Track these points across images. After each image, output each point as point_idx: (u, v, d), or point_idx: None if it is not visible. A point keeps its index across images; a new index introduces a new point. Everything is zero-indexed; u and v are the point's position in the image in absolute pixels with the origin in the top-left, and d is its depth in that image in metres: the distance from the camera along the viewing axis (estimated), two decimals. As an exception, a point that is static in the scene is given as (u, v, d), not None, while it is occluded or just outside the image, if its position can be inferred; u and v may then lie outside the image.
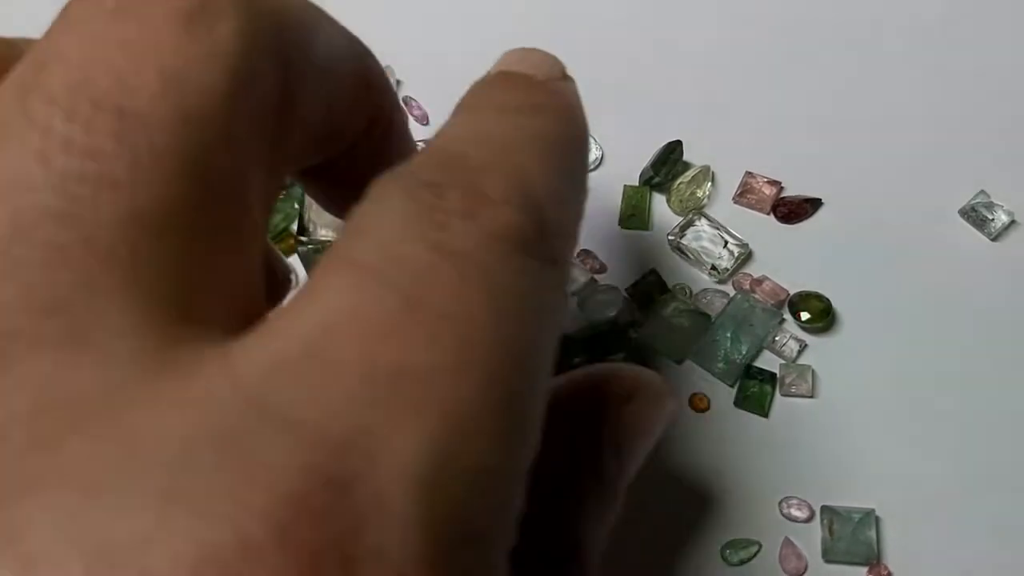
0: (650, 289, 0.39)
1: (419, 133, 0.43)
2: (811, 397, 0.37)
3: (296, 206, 0.41)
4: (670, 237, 0.39)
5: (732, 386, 0.37)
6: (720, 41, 0.42)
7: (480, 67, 0.43)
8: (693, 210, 0.39)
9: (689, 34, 0.43)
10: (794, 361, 0.37)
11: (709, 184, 0.40)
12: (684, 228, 0.39)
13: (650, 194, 0.40)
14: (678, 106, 0.41)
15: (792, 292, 0.38)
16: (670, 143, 0.40)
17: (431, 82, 0.43)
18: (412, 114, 0.43)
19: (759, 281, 0.38)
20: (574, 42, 0.43)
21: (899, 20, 0.41)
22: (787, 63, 0.41)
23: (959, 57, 0.40)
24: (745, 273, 0.39)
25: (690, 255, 0.39)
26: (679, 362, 0.38)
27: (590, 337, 0.38)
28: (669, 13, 0.43)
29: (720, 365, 0.37)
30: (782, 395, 0.37)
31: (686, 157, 0.40)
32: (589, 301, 0.39)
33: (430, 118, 0.43)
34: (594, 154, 0.41)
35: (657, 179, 0.40)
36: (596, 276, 0.39)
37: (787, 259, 0.39)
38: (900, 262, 0.38)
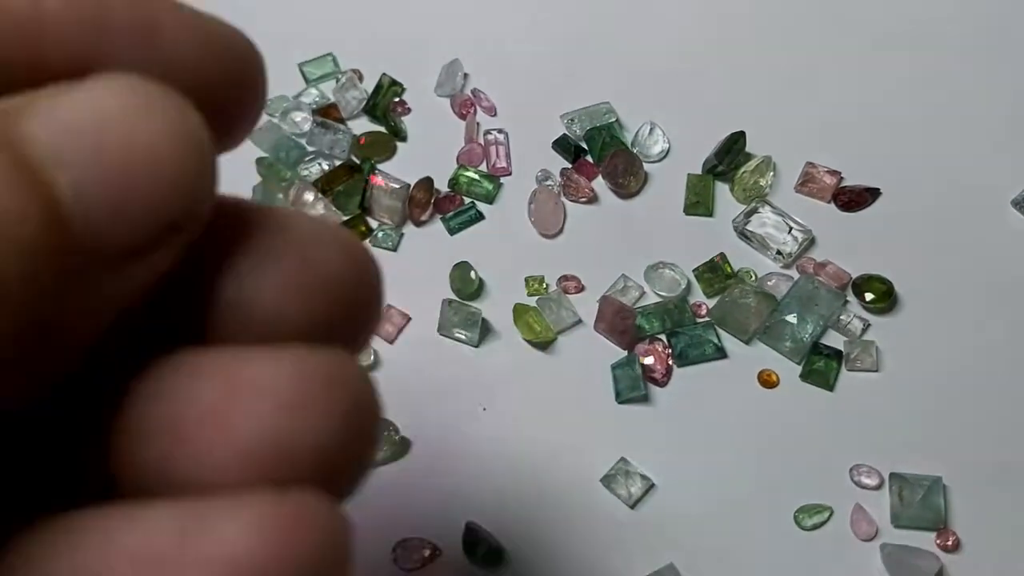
0: (717, 271, 0.40)
1: (487, 123, 0.44)
2: (875, 372, 0.38)
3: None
4: (735, 223, 0.41)
5: (799, 363, 0.39)
6: (781, 37, 0.44)
7: (544, 61, 0.45)
8: (756, 198, 0.41)
9: (750, 30, 0.45)
10: (859, 338, 0.39)
11: (771, 173, 0.42)
12: (748, 215, 0.41)
13: (713, 183, 0.42)
14: (740, 99, 0.43)
15: (854, 275, 0.40)
16: (733, 134, 0.42)
17: (497, 75, 0.45)
18: (481, 106, 0.45)
19: (822, 265, 0.40)
20: (638, 38, 0.45)
21: (955, 15, 0.44)
22: (846, 57, 0.43)
23: (1013, 53, 0.43)
24: (808, 258, 0.40)
25: (755, 240, 0.41)
26: (747, 341, 0.39)
27: (662, 310, 0.39)
28: (732, 9, 0.45)
29: (787, 344, 0.39)
30: (847, 370, 0.38)
31: (747, 148, 0.42)
32: (655, 276, 0.40)
33: (497, 110, 0.45)
34: (660, 146, 0.43)
35: (720, 168, 0.42)
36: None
37: (848, 245, 0.41)
38: (956, 247, 0.40)
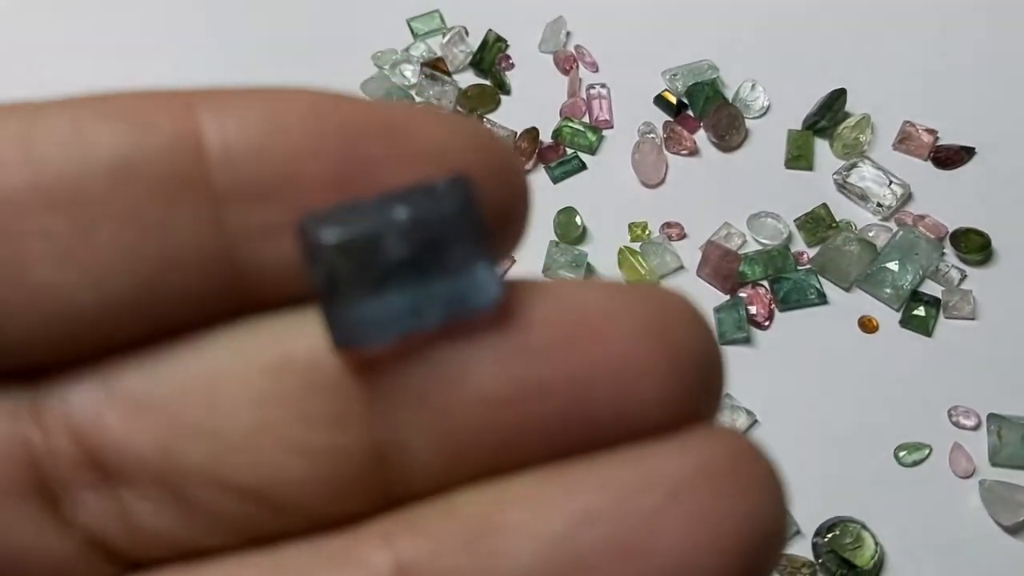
0: (819, 220, 0.42)
1: (589, 79, 0.46)
2: (973, 319, 0.40)
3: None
4: (835, 176, 0.42)
5: (898, 310, 0.40)
6: None
7: (645, 19, 0.47)
8: (856, 154, 0.43)
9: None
10: (956, 287, 0.40)
11: (869, 130, 0.43)
12: (849, 169, 0.42)
13: (813, 138, 0.43)
14: (839, 59, 0.45)
15: (951, 228, 0.41)
16: (834, 91, 0.43)
17: (599, 33, 0.47)
18: (583, 62, 0.46)
19: (920, 217, 0.41)
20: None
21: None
22: (943, 18, 0.45)
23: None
24: (906, 211, 0.42)
25: (855, 193, 0.42)
26: (847, 288, 0.41)
27: (765, 257, 0.41)
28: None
29: (887, 291, 0.40)
30: (945, 317, 0.40)
31: (846, 107, 0.43)
32: (757, 225, 0.42)
33: (599, 66, 0.46)
34: (761, 102, 0.45)
35: (821, 124, 0.43)
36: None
37: (944, 200, 0.42)
38: (1051, 204, 0.41)
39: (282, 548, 0.15)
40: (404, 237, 0.14)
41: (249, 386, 0.15)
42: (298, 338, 0.15)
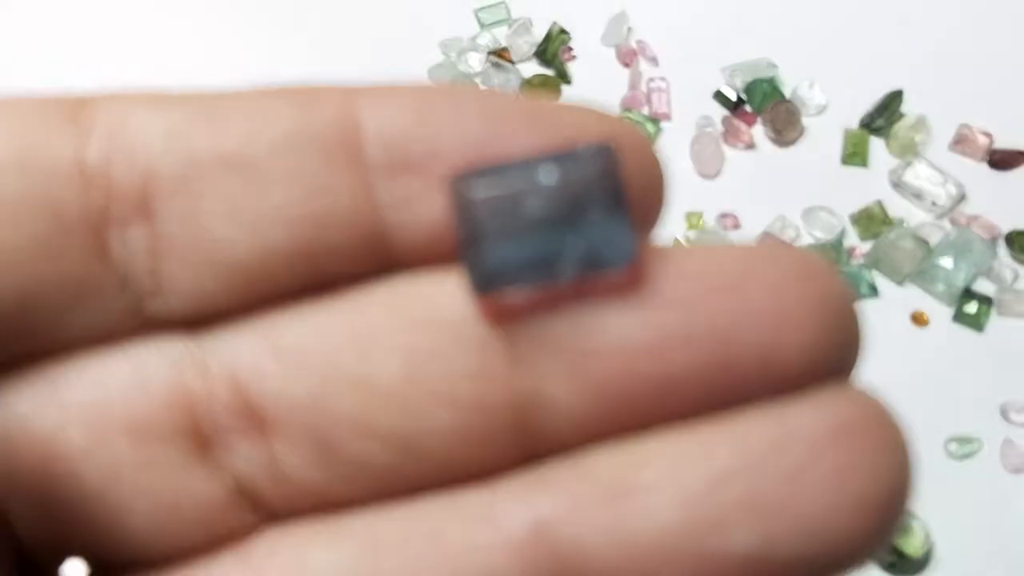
0: (873, 217, 0.42)
1: (649, 72, 0.47)
2: (1026, 318, 0.40)
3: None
4: (891, 175, 0.43)
5: (950, 307, 0.40)
6: (937, 2, 0.46)
7: (707, 14, 0.47)
8: (911, 154, 0.43)
9: None
10: (1010, 286, 0.41)
11: (925, 131, 0.44)
12: (905, 168, 0.43)
13: (869, 137, 0.44)
14: (896, 59, 0.46)
15: (1005, 229, 0.42)
16: (891, 92, 0.44)
17: (661, 28, 0.48)
18: (644, 56, 0.47)
19: (974, 217, 0.42)
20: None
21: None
22: (998, 22, 0.45)
23: None
24: (960, 211, 0.42)
25: (910, 192, 0.43)
26: (900, 283, 0.41)
27: (818, 250, 0.41)
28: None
29: (940, 287, 0.41)
30: (998, 314, 0.40)
31: (901, 106, 0.44)
32: (812, 219, 0.42)
33: (659, 60, 0.47)
34: (819, 100, 0.45)
35: (878, 123, 0.44)
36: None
37: (999, 202, 0.42)
38: (1106, 209, 0.42)
39: (418, 502, 0.16)
40: (546, 196, 0.14)
41: (399, 339, 0.15)
42: (444, 296, 0.15)
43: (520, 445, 0.15)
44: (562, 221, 0.14)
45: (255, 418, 0.16)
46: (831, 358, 0.15)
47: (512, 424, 0.15)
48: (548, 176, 0.14)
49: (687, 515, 0.14)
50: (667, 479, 0.14)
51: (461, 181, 0.15)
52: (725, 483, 0.14)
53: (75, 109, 0.16)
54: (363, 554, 0.16)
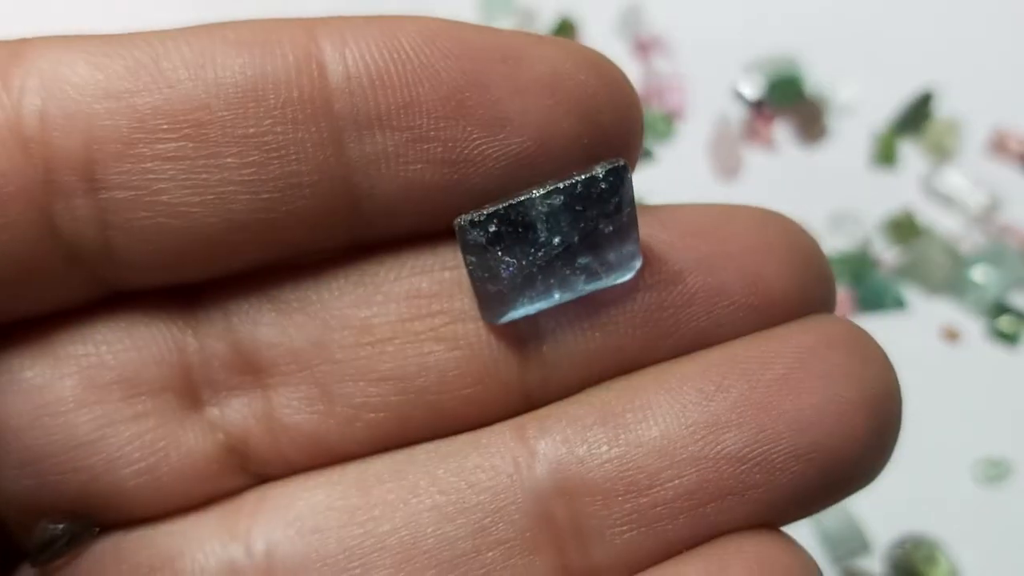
0: (902, 225, 0.40)
1: (663, 67, 0.45)
2: (1063, 335, 0.37)
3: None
4: (922, 180, 0.40)
5: (982, 320, 0.38)
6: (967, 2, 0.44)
7: (727, 6, 0.45)
8: (943, 158, 0.41)
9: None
10: (1046, 300, 0.38)
11: (957, 135, 0.41)
12: (935, 172, 0.40)
13: (895, 139, 0.42)
14: (926, 58, 0.43)
15: (1041, 239, 0.39)
16: (922, 94, 0.41)
17: (677, 21, 0.45)
18: (659, 49, 0.45)
19: (1009, 226, 0.39)
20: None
21: None
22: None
23: None
24: (993, 219, 0.40)
25: (940, 197, 0.40)
26: (930, 295, 0.38)
27: (844, 258, 0.39)
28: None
29: (972, 299, 0.38)
30: (1034, 331, 0.37)
31: (932, 109, 0.42)
32: (836, 225, 0.40)
33: (676, 55, 0.45)
34: (842, 99, 0.43)
35: (908, 126, 0.41)
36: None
37: (1034, 209, 0.40)
38: None
39: (412, 449, 0.16)
40: (558, 228, 0.15)
41: (398, 285, 0.16)
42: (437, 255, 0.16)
43: (519, 388, 0.16)
44: (574, 249, 0.15)
45: (252, 371, 0.16)
46: (811, 289, 0.16)
47: (510, 363, 0.16)
48: (554, 203, 0.15)
49: (683, 420, 0.15)
50: (663, 397, 0.15)
51: (466, 221, 0.15)
52: (720, 391, 0.15)
53: (4, 63, 0.15)
54: (355, 492, 0.16)
